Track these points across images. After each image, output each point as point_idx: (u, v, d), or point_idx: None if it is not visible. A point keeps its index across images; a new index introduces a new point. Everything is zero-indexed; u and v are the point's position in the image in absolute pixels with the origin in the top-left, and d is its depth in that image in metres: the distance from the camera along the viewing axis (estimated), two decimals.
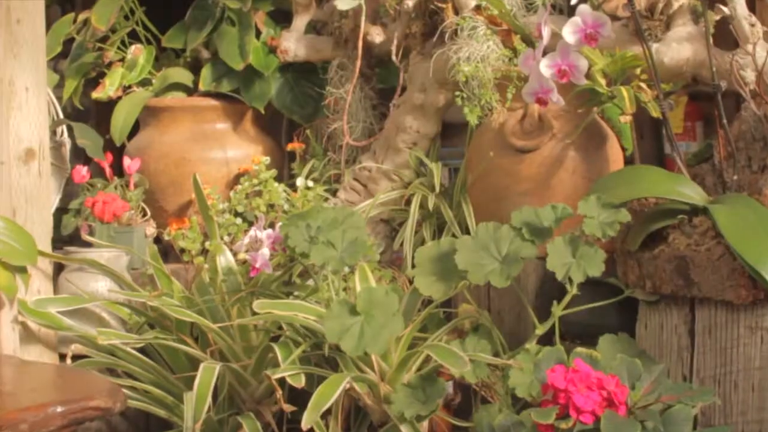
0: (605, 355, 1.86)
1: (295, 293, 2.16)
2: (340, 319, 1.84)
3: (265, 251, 2.03)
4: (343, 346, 1.82)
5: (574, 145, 2.18)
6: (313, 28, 2.71)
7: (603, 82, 2.04)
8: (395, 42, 2.44)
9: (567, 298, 1.90)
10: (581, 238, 1.87)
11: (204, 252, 2.37)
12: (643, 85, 2.04)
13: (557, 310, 1.91)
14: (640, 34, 1.96)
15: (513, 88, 2.19)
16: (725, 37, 2.09)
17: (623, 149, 2.32)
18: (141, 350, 2.21)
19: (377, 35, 2.49)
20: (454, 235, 2.27)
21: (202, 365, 2.00)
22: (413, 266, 1.99)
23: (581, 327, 2.06)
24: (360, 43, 2.46)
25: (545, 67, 1.91)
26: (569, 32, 1.89)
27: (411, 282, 2.01)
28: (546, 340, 1.97)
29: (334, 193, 2.54)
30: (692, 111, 2.73)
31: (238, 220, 2.48)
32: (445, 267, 1.93)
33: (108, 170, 2.66)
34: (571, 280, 1.86)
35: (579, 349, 1.83)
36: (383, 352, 1.89)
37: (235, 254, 2.24)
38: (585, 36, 1.88)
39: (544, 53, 1.96)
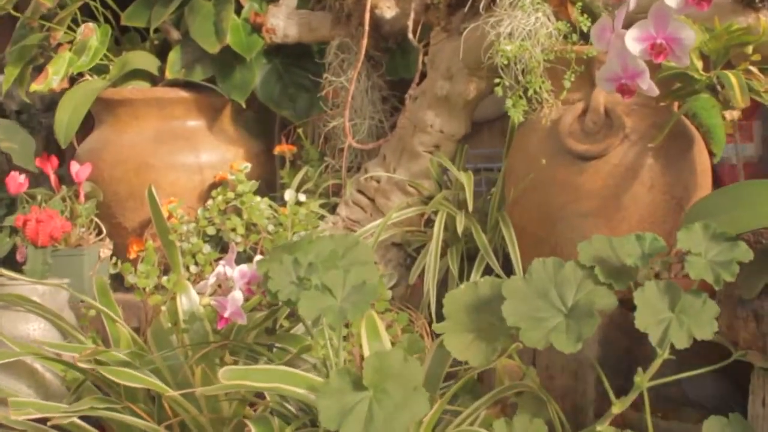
0: None
1: (279, 345, 1.76)
2: (340, 396, 1.41)
3: (237, 295, 1.57)
4: None
5: (651, 150, 1.80)
6: (306, 1, 2.49)
7: (699, 65, 1.60)
8: (412, 15, 2.20)
9: (656, 364, 1.46)
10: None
11: (163, 287, 1.96)
12: (753, 69, 1.61)
13: (643, 380, 1.47)
14: None
15: (571, 74, 1.84)
16: None
17: (711, 155, 1.95)
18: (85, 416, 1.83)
19: (388, 8, 2.27)
20: (489, 269, 1.92)
21: None
22: (439, 315, 1.58)
23: (665, 397, 1.70)
24: (366, 18, 2.22)
25: (633, 41, 1.46)
26: None
27: (433, 332, 1.61)
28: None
29: (332, 209, 2.30)
30: (748, 107, 2.36)
31: (207, 248, 2.05)
32: (485, 320, 1.50)
33: (53, 178, 2.41)
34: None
35: None
36: None
37: (201, 293, 1.79)
38: None
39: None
